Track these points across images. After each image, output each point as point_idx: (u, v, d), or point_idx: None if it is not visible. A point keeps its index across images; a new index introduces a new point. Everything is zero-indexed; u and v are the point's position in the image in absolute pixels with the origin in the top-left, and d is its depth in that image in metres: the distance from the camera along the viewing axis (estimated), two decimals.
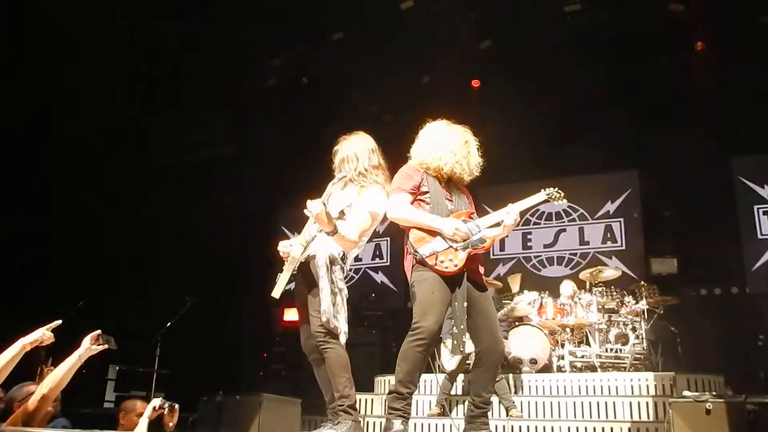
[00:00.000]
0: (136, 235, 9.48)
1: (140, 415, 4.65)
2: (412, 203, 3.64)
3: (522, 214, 3.73)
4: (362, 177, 3.74)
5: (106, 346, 3.57)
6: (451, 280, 3.48)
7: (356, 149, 3.82)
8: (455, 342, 3.46)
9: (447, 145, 3.68)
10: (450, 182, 3.74)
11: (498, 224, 3.67)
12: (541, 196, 3.85)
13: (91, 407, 7.51)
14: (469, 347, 3.90)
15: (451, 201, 3.66)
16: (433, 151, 3.68)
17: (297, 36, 9.28)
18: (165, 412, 4.60)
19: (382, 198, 3.69)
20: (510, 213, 3.59)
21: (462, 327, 3.43)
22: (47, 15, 7.93)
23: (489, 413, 3.58)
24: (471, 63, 9.75)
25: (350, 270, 3.84)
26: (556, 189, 3.92)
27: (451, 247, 3.49)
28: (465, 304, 3.46)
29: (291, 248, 3.62)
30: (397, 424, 3.37)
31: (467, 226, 3.53)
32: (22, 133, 8.71)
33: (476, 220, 3.61)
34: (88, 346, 3.51)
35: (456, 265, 3.45)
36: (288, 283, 3.63)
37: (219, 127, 10.09)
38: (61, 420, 4.58)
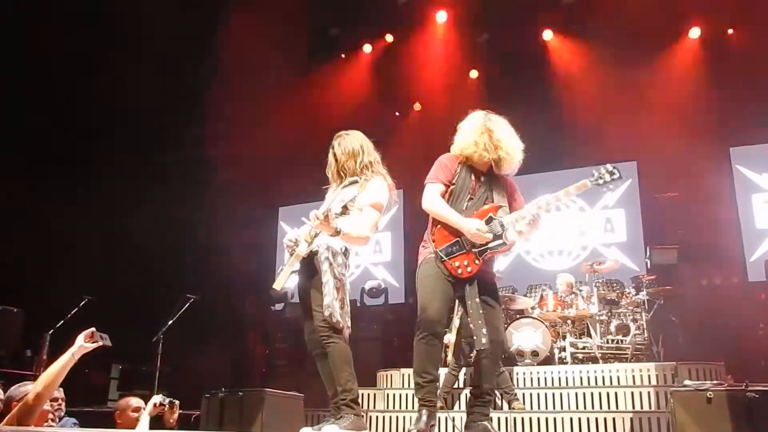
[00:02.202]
0: (137, 232, 9.48)
1: (135, 410, 4.65)
2: (444, 194, 3.67)
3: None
4: (366, 170, 3.77)
5: (101, 343, 3.53)
6: (460, 280, 3.53)
7: (361, 143, 3.87)
8: (475, 337, 3.47)
9: (470, 133, 3.70)
10: (489, 174, 3.71)
11: (529, 220, 3.59)
12: (586, 182, 3.66)
13: (95, 406, 7.53)
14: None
15: (473, 198, 3.64)
16: (463, 140, 3.71)
17: (294, 32, 9.28)
18: (165, 409, 4.61)
19: (384, 189, 3.75)
20: (538, 211, 3.55)
21: (480, 322, 3.45)
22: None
23: (491, 404, 3.57)
24: (470, 55, 9.77)
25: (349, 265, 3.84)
26: (607, 169, 3.72)
27: (470, 251, 3.51)
28: (477, 299, 3.49)
29: (296, 242, 3.64)
30: (423, 414, 3.49)
31: (491, 226, 3.51)
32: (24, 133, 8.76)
33: (503, 218, 3.55)
34: (82, 343, 3.48)
35: (470, 272, 3.51)
36: (289, 276, 3.67)
37: (216, 123, 10.09)
38: (70, 419, 4.59)
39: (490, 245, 3.49)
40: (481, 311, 3.46)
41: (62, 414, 4.34)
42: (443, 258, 3.53)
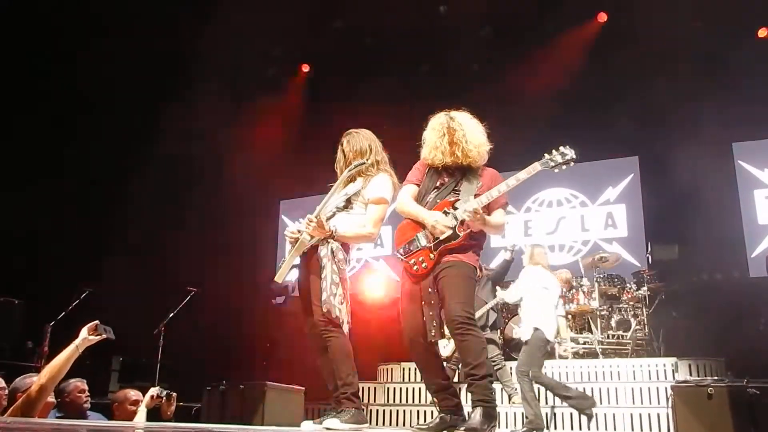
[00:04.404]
0: (139, 227, 9.49)
1: (133, 403, 4.67)
2: (415, 193, 3.74)
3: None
4: (371, 168, 3.81)
5: (104, 336, 3.56)
6: (419, 276, 3.59)
7: (370, 142, 3.89)
8: (424, 327, 3.51)
9: (429, 138, 3.75)
10: (460, 168, 3.69)
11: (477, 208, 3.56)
12: (536, 165, 3.62)
13: (96, 398, 7.53)
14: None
15: (438, 190, 3.67)
16: (425, 148, 3.76)
17: (296, 24, 9.25)
18: (163, 401, 4.62)
19: (388, 184, 3.77)
20: (474, 203, 3.51)
21: (431, 314, 3.49)
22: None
23: (482, 381, 3.40)
24: (472, 49, 9.72)
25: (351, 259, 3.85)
26: (559, 150, 3.66)
27: (425, 247, 3.55)
28: (430, 290, 3.53)
29: (301, 234, 3.64)
30: (435, 417, 3.58)
31: (448, 218, 3.54)
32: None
33: (456, 211, 3.56)
34: (86, 336, 3.51)
35: (425, 268, 3.55)
36: (290, 269, 3.68)
37: (218, 116, 10.07)
38: (95, 414, 4.64)
39: (442, 237, 3.52)
40: (432, 302, 3.50)
41: (89, 406, 4.40)
42: (401, 257, 3.62)
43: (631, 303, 7.82)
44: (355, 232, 3.66)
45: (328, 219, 3.65)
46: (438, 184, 3.68)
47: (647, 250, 8.94)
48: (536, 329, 5.79)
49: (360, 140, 3.88)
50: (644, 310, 7.71)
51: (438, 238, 3.52)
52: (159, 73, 9.29)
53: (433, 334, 3.48)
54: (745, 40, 8.71)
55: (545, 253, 6.30)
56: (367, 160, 3.77)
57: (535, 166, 3.62)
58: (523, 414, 5.89)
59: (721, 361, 6.73)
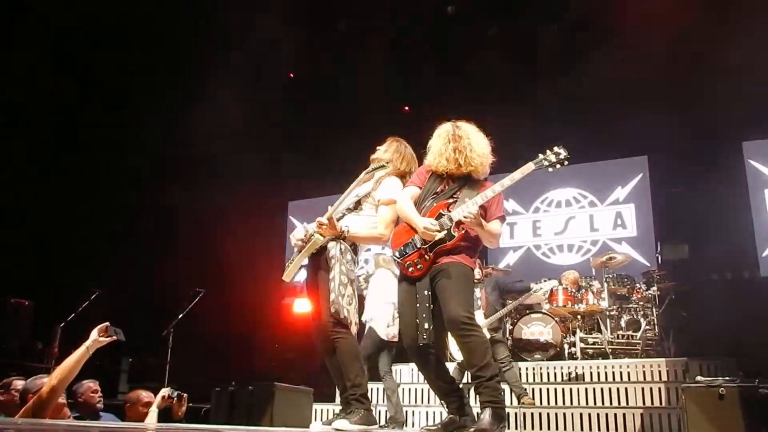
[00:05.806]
0: (143, 227, 9.53)
1: (145, 405, 4.70)
2: (415, 196, 3.76)
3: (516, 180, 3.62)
4: (388, 172, 3.84)
5: (115, 337, 3.58)
6: (414, 278, 3.59)
7: (406, 154, 3.97)
8: (417, 330, 3.49)
9: (435, 145, 3.78)
10: (461, 176, 3.70)
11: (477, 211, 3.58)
12: (530, 165, 3.65)
13: (105, 399, 7.56)
14: None
15: (438, 194, 3.67)
16: (430, 154, 3.79)
17: (302, 27, 9.26)
18: (174, 401, 4.64)
19: (398, 186, 3.80)
20: (470, 205, 3.51)
21: (424, 315, 3.48)
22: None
23: (488, 382, 3.37)
24: (477, 47, 9.70)
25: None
26: (553, 150, 3.70)
27: (420, 248, 3.55)
28: (426, 292, 3.52)
29: (307, 237, 3.65)
30: (443, 417, 3.63)
31: (441, 221, 3.54)
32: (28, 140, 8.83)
33: (450, 213, 3.57)
34: (96, 337, 3.52)
35: (420, 269, 3.55)
36: (299, 269, 3.69)
37: (227, 118, 10.10)
38: (109, 415, 4.66)
39: (437, 238, 3.51)
40: (427, 305, 3.49)
41: (102, 406, 4.42)
42: (397, 259, 3.63)
43: (641, 303, 7.78)
44: (366, 233, 3.68)
45: (338, 220, 3.66)
46: (438, 189, 3.70)
47: (657, 249, 8.89)
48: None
49: (400, 149, 3.97)
50: (654, 310, 7.66)
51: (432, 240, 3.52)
52: (163, 74, 9.32)
53: (424, 336, 3.46)
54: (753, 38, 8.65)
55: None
56: (388, 163, 3.79)
57: (529, 166, 3.65)
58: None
59: (732, 361, 6.68)
